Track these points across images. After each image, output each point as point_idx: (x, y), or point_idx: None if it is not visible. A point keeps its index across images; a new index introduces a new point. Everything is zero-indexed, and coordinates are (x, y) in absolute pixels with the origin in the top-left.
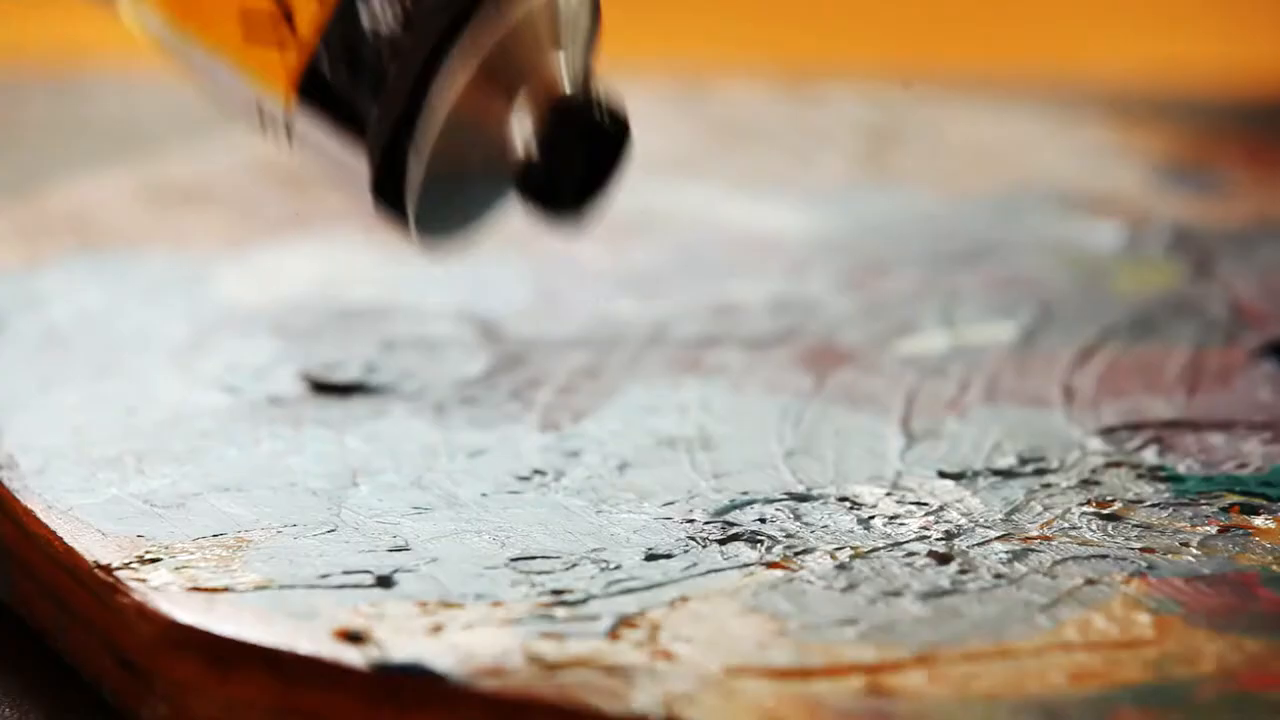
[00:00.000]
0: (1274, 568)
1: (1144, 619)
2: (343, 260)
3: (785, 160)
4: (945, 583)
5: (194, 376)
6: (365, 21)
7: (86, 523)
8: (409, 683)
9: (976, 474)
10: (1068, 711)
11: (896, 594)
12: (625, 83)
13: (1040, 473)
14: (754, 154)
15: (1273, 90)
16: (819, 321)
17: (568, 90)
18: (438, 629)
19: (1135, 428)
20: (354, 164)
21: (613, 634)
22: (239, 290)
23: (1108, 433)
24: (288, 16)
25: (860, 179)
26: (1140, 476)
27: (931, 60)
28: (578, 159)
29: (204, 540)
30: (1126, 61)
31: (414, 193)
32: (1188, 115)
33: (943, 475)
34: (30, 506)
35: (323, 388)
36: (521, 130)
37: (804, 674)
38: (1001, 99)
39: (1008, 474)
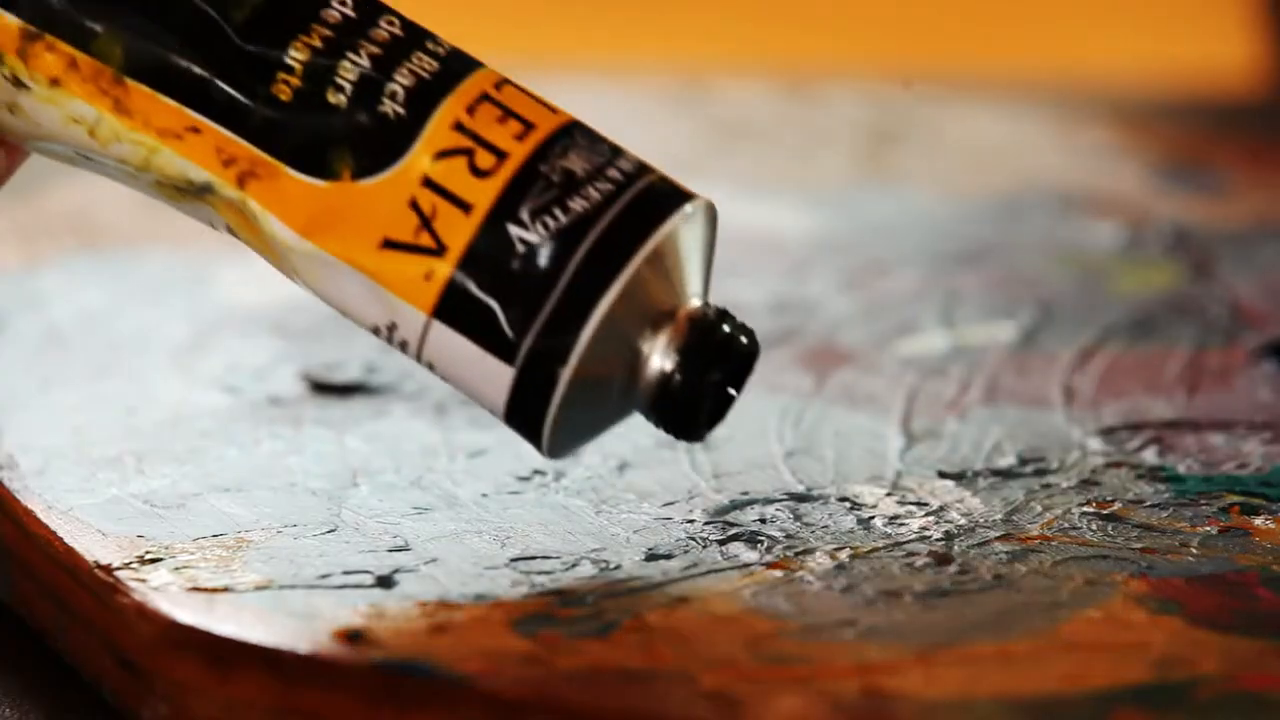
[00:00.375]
0: (1274, 568)
1: (1144, 619)
2: None
3: (785, 160)
4: (945, 583)
5: (194, 376)
6: (513, 240)
7: (86, 523)
8: (409, 683)
9: (976, 474)
10: (1068, 711)
11: (896, 594)
12: (625, 83)
13: (1040, 473)
14: (754, 154)
15: (1272, 90)
16: (819, 321)
17: (702, 306)
18: (438, 629)
19: (1135, 428)
20: (487, 382)
21: (613, 634)
22: (239, 290)
23: (1108, 433)
24: (432, 231)
25: (860, 179)
26: (1140, 477)
27: (931, 60)
28: (715, 369)
29: (204, 540)
30: (1126, 61)
31: (552, 420)
32: (1188, 115)
33: (943, 475)
34: (30, 506)
35: (323, 388)
36: (657, 347)
37: (803, 674)
38: (1001, 99)
39: (1008, 474)
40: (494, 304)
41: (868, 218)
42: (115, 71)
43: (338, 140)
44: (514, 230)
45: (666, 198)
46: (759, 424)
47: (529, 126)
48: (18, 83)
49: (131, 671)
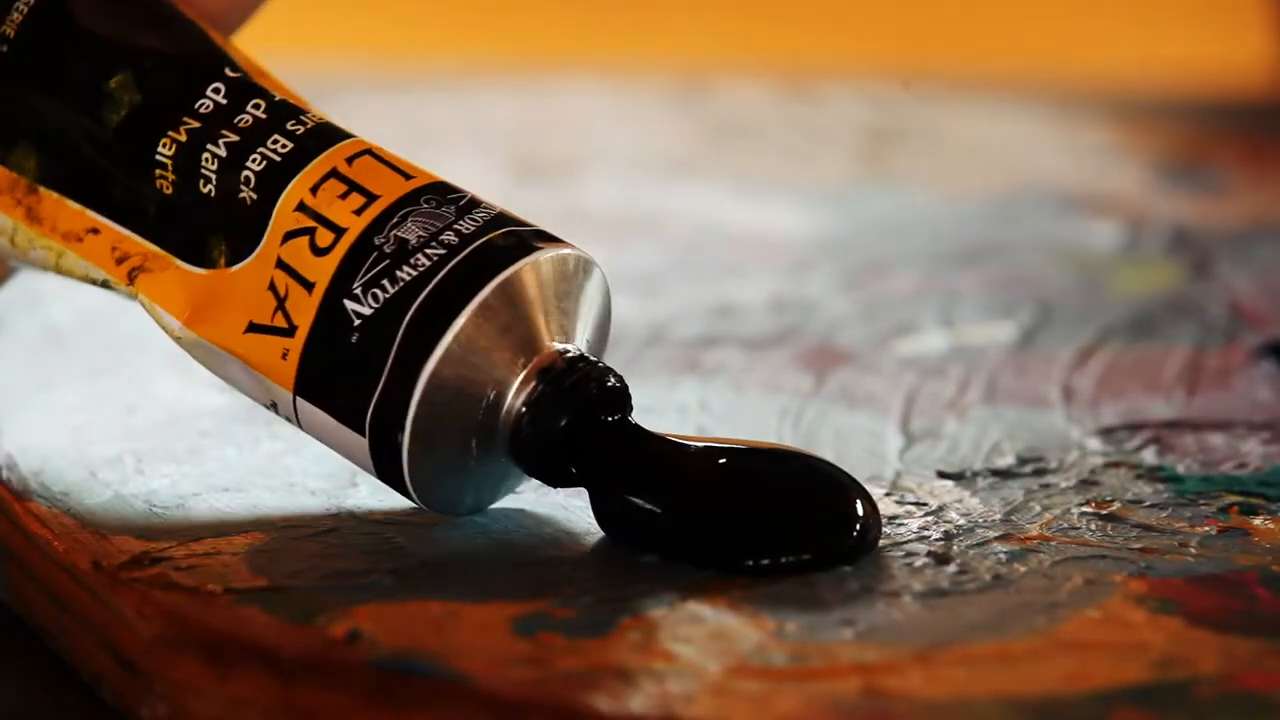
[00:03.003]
0: (1273, 568)
1: (1144, 619)
2: None
3: (785, 160)
4: (944, 583)
5: (193, 376)
6: (349, 315)
7: (86, 523)
8: (408, 682)
9: (975, 474)
10: (1067, 711)
11: (895, 594)
12: (625, 83)
13: (1039, 473)
14: (754, 154)
15: (1272, 90)
16: (818, 321)
17: (553, 354)
18: (437, 629)
19: (1134, 428)
20: (353, 452)
21: (613, 634)
22: None
23: (1107, 433)
24: (285, 312)
25: (860, 179)
26: (1139, 477)
27: (931, 60)
28: (563, 415)
29: (203, 540)
30: (1126, 61)
31: (410, 478)
32: (1188, 115)
33: (942, 475)
34: (30, 506)
35: None
36: (508, 396)
37: (802, 674)
38: (1001, 99)
39: (1007, 474)
40: (339, 378)
41: (868, 218)
42: (30, 181)
43: (212, 229)
44: (349, 305)
45: (500, 254)
46: (758, 424)
47: (371, 199)
48: None
49: (130, 671)
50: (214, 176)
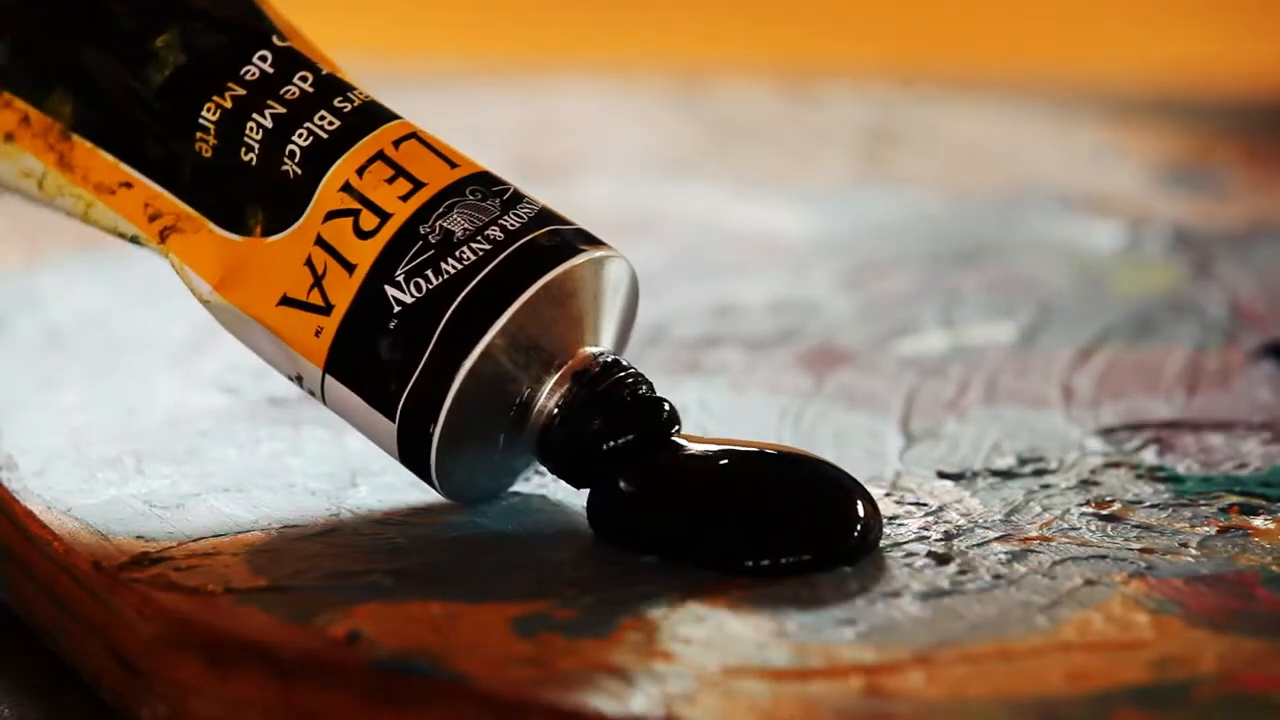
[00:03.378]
0: (1273, 568)
1: (1144, 619)
2: None
3: (785, 160)
4: (944, 583)
5: (193, 377)
6: (390, 301)
7: (86, 523)
8: (408, 682)
9: (976, 474)
10: (1067, 711)
11: (895, 594)
12: (625, 83)
13: (1039, 473)
14: (754, 154)
15: (1272, 90)
16: (819, 322)
17: (590, 357)
18: (437, 629)
19: (1134, 428)
20: (379, 434)
21: (613, 634)
22: None
23: (1107, 433)
24: (322, 290)
25: (860, 179)
26: (1139, 477)
27: (931, 60)
28: (595, 420)
29: (203, 541)
30: (1126, 61)
31: (436, 468)
32: (1188, 115)
33: (942, 476)
34: (30, 507)
35: None
36: (540, 397)
37: (802, 674)
38: (1001, 99)
39: (1007, 474)
40: (373, 363)
41: (868, 218)
42: (64, 128)
43: (250, 197)
44: (390, 291)
45: (545, 254)
46: (759, 424)
47: (417, 185)
48: None
49: (130, 671)
50: (257, 146)
